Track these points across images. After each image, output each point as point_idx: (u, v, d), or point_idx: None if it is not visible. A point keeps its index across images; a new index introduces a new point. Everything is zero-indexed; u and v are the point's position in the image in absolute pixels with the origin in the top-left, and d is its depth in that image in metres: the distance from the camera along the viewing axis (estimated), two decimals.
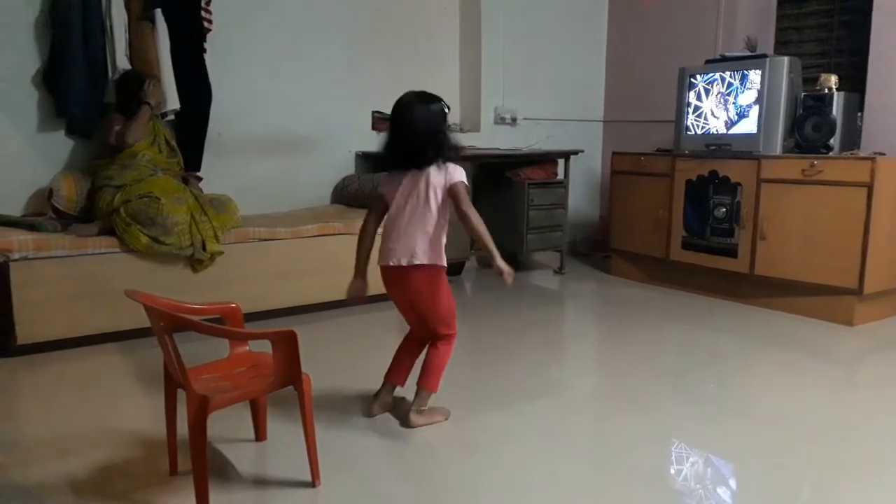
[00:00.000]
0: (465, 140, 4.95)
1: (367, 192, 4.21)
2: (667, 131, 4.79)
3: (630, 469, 2.15)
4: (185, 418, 1.83)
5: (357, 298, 2.46)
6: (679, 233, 4.38)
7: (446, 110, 2.36)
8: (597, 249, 5.55)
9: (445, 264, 2.38)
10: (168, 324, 1.83)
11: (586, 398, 2.80)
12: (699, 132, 4.36)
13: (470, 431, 2.42)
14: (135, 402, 2.62)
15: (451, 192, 2.30)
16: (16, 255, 3.00)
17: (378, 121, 4.71)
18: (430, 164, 2.31)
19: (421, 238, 2.32)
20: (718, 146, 4.22)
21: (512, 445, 2.30)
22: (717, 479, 2.13)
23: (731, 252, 4.10)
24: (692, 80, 4.37)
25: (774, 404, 2.68)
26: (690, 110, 4.39)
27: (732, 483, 2.11)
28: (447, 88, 5.19)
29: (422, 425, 2.40)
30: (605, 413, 2.61)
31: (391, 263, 2.36)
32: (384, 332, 3.75)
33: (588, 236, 5.71)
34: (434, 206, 2.30)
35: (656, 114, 5.17)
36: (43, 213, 3.44)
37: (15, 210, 3.52)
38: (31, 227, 3.16)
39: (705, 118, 4.33)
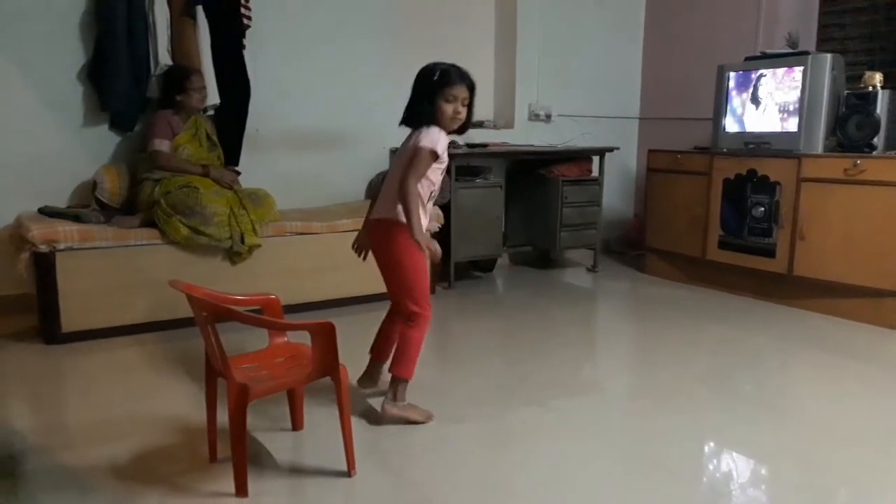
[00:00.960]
0: (498, 137, 4.99)
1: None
2: (704, 129, 4.73)
3: (664, 468, 2.13)
4: (225, 406, 1.88)
5: (363, 248, 2.55)
6: (716, 232, 4.33)
7: (436, 72, 2.29)
8: (630, 248, 5.51)
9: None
10: (211, 314, 1.87)
11: (621, 396, 2.79)
12: (738, 130, 4.29)
13: (504, 426, 2.43)
14: (175, 390, 2.68)
15: (410, 155, 2.26)
16: (62, 246, 3.08)
17: None
18: (415, 124, 2.31)
19: (385, 194, 2.34)
20: (758, 144, 4.15)
21: (546, 441, 2.30)
22: (751, 480, 2.11)
23: (769, 252, 4.04)
24: (731, 77, 4.30)
25: (812, 407, 2.64)
26: (729, 108, 4.33)
27: (767, 485, 2.09)
28: (481, 84, 5.12)
29: (395, 417, 2.33)
30: (639, 411, 2.59)
31: (371, 217, 2.43)
32: None
33: (622, 234, 5.66)
34: (400, 166, 2.28)
35: (694, 111, 5.10)
36: (87, 205, 3.52)
37: (61, 202, 3.62)
38: (76, 219, 3.24)
39: (744, 116, 4.26)
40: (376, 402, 2.49)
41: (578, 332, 3.68)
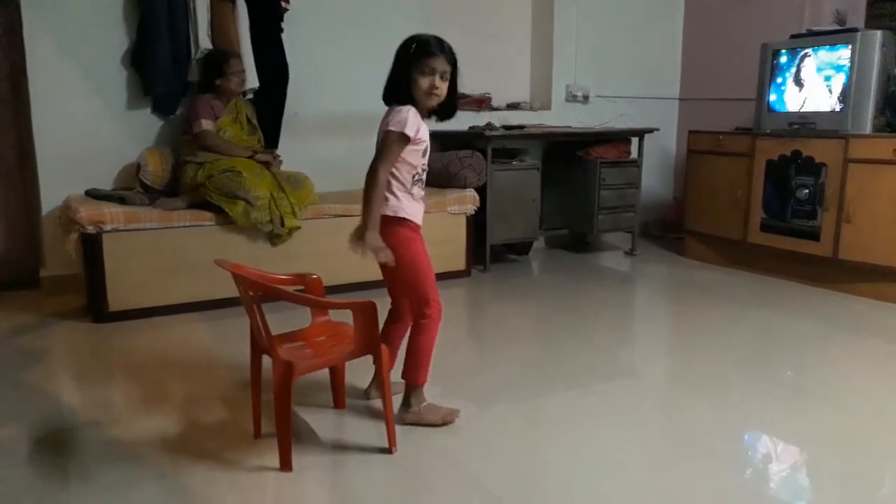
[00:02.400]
0: (534, 118, 4.95)
1: (435, 172, 4.22)
2: (746, 110, 4.63)
3: (704, 452, 2.12)
4: (270, 383, 1.91)
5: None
6: (758, 214, 4.25)
7: (413, 44, 2.09)
8: (669, 231, 5.44)
9: (402, 216, 2.13)
10: (257, 292, 1.91)
11: (660, 380, 2.77)
12: (782, 110, 4.19)
13: (543, 408, 2.43)
14: (218, 367, 2.74)
15: (384, 138, 2.06)
16: (108, 227, 3.16)
17: None
18: (390, 101, 2.12)
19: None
20: (802, 125, 4.05)
21: (585, 424, 2.30)
22: (793, 466, 2.08)
23: (814, 235, 3.95)
24: (776, 55, 4.20)
25: (858, 394, 2.59)
26: (773, 87, 4.23)
27: (810, 472, 2.06)
28: (518, 65, 5.16)
29: (410, 424, 2.18)
30: (679, 396, 2.57)
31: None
32: (457, 307, 3.79)
33: (660, 217, 5.59)
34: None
35: (736, 91, 4.99)
36: (131, 188, 3.61)
37: (106, 184, 3.70)
38: (121, 201, 3.32)
39: (789, 96, 4.16)
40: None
41: (616, 315, 3.66)
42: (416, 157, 2.12)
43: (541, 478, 1.97)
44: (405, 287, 2.19)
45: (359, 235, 2.07)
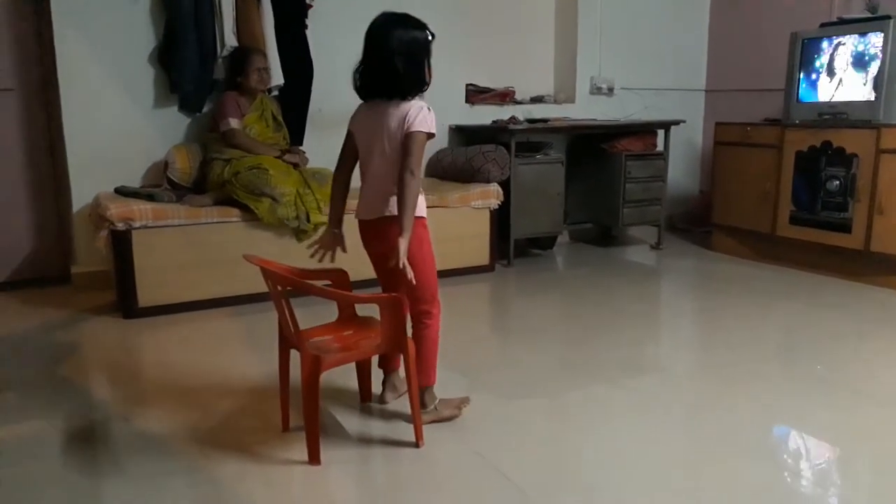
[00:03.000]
0: (558, 111, 4.92)
1: (459, 166, 4.23)
2: (774, 100, 4.56)
3: (734, 446, 2.10)
4: (298, 377, 1.93)
5: (326, 249, 2.18)
6: (787, 207, 4.18)
7: (430, 38, 2.05)
8: (695, 224, 5.37)
9: (418, 213, 2.07)
10: (285, 287, 1.92)
11: (689, 375, 2.74)
12: (812, 100, 4.12)
13: (570, 402, 2.42)
14: (247, 361, 2.77)
15: (404, 141, 1.99)
16: (137, 224, 3.20)
17: (472, 93, 4.71)
18: (397, 96, 2.02)
19: (375, 190, 2.06)
20: (833, 115, 3.98)
21: (614, 418, 2.29)
22: (825, 461, 2.05)
23: (845, 227, 3.88)
24: (806, 44, 4.12)
25: (890, 388, 2.54)
26: (802, 77, 4.16)
27: (842, 467, 2.03)
28: (542, 58, 5.12)
29: (429, 423, 2.15)
30: (708, 390, 2.54)
31: (361, 217, 2.16)
32: (482, 302, 3.80)
33: (687, 211, 5.53)
34: (384, 154, 2.04)
35: (763, 82, 4.91)
36: (159, 185, 3.65)
37: (134, 181, 3.75)
38: (150, 198, 3.36)
39: (819, 86, 4.09)
40: (442, 380, 2.51)
41: (643, 309, 3.63)
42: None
43: (567, 471, 1.97)
44: (410, 288, 2.03)
45: (392, 245, 1.94)
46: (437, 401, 2.20)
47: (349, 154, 2.18)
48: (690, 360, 2.94)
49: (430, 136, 2.03)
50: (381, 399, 2.34)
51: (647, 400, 2.43)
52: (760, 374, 2.66)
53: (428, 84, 2.07)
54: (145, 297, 3.27)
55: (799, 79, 4.17)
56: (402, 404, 2.26)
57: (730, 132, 4.53)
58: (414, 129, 1.98)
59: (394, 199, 2.02)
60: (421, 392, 2.14)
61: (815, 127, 4.02)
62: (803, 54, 4.14)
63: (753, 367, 2.72)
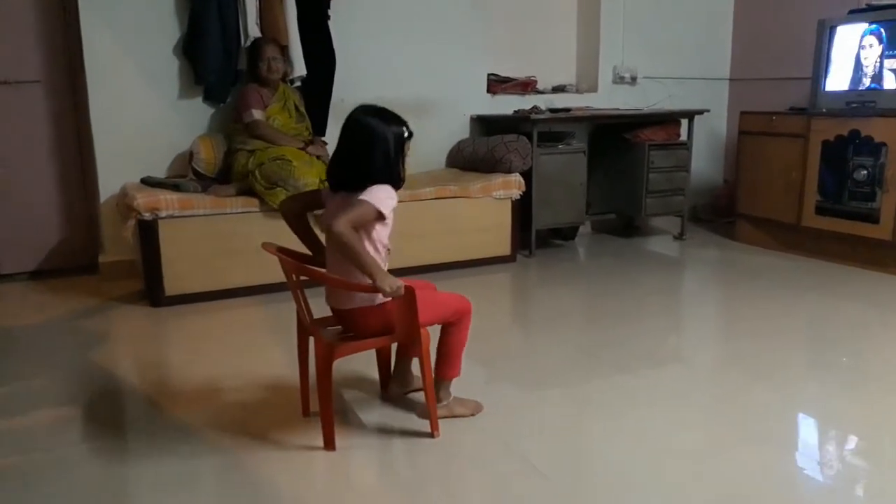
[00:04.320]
0: (581, 101, 4.89)
1: (480, 156, 4.23)
2: (801, 89, 4.49)
3: (759, 438, 2.09)
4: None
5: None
6: (813, 197, 4.12)
7: (406, 135, 2.00)
8: (719, 215, 5.32)
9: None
10: (301, 276, 1.95)
11: (713, 365, 2.73)
12: (839, 89, 4.05)
13: (592, 392, 2.42)
14: (270, 349, 2.81)
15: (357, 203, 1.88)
16: (164, 214, 3.25)
17: (494, 83, 4.70)
18: (360, 186, 1.92)
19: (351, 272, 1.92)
20: (861, 104, 3.91)
21: (635, 408, 2.29)
22: (850, 453, 2.04)
23: (872, 217, 3.82)
24: (833, 32, 4.05)
25: None
26: (830, 65, 4.09)
27: (867, 458, 2.01)
28: (564, 47, 5.09)
29: (440, 418, 2.12)
30: (732, 381, 2.53)
31: (331, 305, 2.06)
32: (503, 292, 3.81)
33: (710, 201, 5.47)
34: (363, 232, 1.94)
35: (789, 70, 4.84)
36: (184, 175, 3.70)
37: (159, 172, 3.81)
38: (175, 188, 3.41)
39: (847, 74, 4.01)
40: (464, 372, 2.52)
41: (666, 300, 3.61)
42: (386, 231, 2.00)
43: (590, 458, 1.98)
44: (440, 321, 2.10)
45: (375, 290, 1.86)
46: (451, 398, 2.18)
47: (311, 200, 2.13)
48: (713, 350, 2.92)
49: (380, 215, 1.90)
50: (388, 390, 2.33)
51: (670, 390, 2.43)
52: (784, 365, 2.64)
53: (402, 180, 2.00)
54: (172, 285, 3.33)
55: (826, 67, 4.10)
56: (419, 394, 2.28)
57: (755, 121, 4.47)
58: (364, 197, 1.89)
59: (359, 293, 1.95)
60: (438, 384, 2.14)
61: (842, 116, 3.96)
62: (831, 42, 4.07)
63: (777, 358, 2.70)
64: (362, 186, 1.91)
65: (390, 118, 1.98)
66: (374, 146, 1.92)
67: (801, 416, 2.26)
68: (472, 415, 2.20)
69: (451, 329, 2.12)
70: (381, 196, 1.90)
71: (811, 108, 4.19)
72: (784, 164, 4.26)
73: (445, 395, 2.18)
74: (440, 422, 2.10)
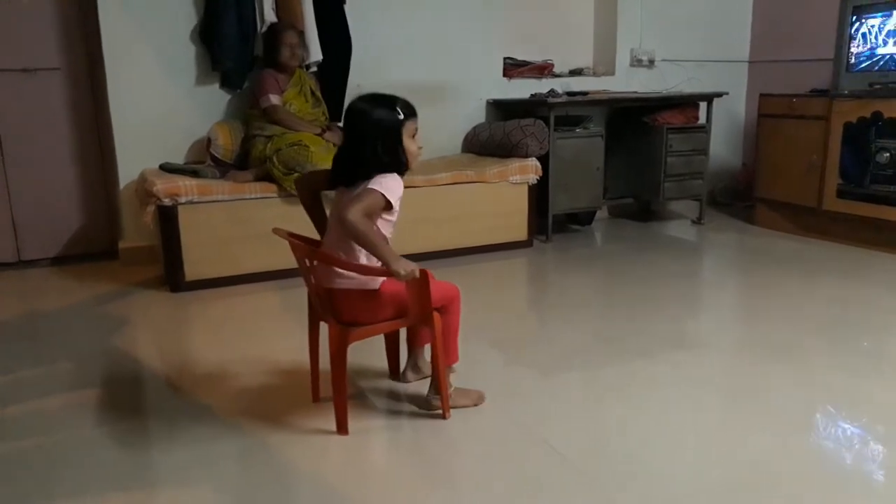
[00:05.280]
0: (598, 84, 4.84)
1: (497, 141, 4.21)
2: (821, 70, 4.43)
3: (776, 422, 2.08)
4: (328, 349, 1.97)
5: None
6: (834, 180, 4.07)
7: (397, 108, 1.94)
8: (738, 199, 5.27)
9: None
10: (312, 259, 1.96)
11: (732, 349, 2.72)
12: (862, 70, 3.98)
13: (612, 376, 2.42)
14: (286, 333, 2.83)
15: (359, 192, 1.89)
16: (183, 200, 3.28)
17: (510, 67, 4.67)
18: (362, 178, 1.92)
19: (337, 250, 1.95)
20: (885, 85, 3.84)
21: (658, 393, 2.28)
22: (872, 438, 2.02)
23: (895, 201, 3.77)
24: (856, 11, 3.98)
25: None
26: (852, 46, 4.02)
27: (886, 444, 1.99)
28: (581, 30, 5.04)
29: (438, 407, 2.12)
30: (751, 366, 2.51)
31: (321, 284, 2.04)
32: (520, 277, 3.81)
33: (728, 185, 5.42)
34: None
35: (810, 52, 4.76)
36: (202, 161, 3.72)
37: (178, 158, 3.83)
38: (194, 174, 3.43)
39: (870, 54, 3.95)
40: (479, 356, 2.52)
41: (684, 285, 3.59)
42: (389, 228, 1.99)
43: (609, 441, 1.98)
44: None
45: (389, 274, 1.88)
46: (452, 388, 2.13)
47: (325, 178, 2.05)
48: (732, 335, 2.91)
49: (387, 204, 1.90)
50: (403, 377, 2.34)
51: (689, 374, 2.42)
52: (804, 350, 2.62)
53: (404, 165, 1.96)
54: (191, 271, 3.36)
55: (849, 47, 4.03)
56: (452, 377, 2.29)
57: (774, 104, 4.42)
58: (370, 185, 1.88)
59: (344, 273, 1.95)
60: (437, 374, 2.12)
61: (865, 97, 3.89)
62: (854, 22, 3.99)
63: (797, 343, 2.68)
64: (367, 176, 1.91)
65: (382, 102, 1.95)
66: (368, 133, 1.91)
67: (820, 400, 2.24)
68: (475, 405, 2.17)
69: (443, 314, 2.06)
70: (390, 185, 1.90)
71: (833, 90, 4.13)
72: (804, 147, 4.21)
73: (447, 385, 2.14)
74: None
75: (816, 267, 3.72)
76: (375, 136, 1.91)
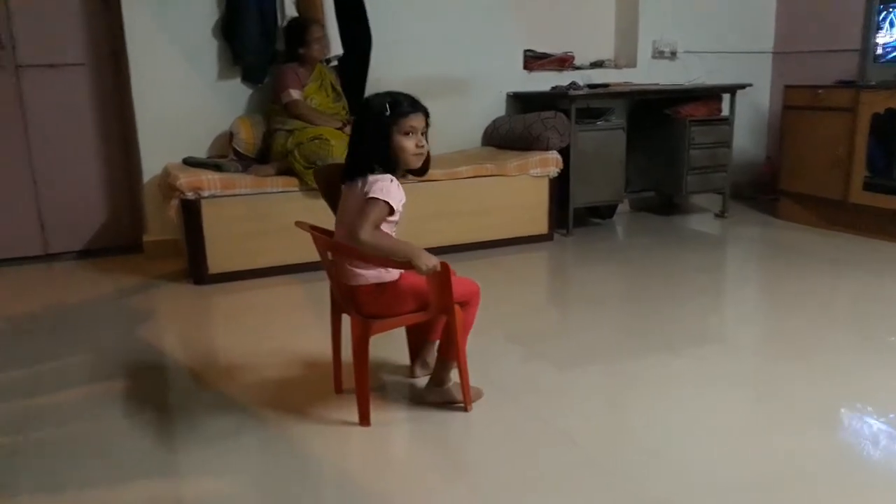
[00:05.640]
0: (619, 76, 4.80)
1: (517, 134, 4.20)
2: (847, 61, 4.35)
3: (800, 417, 2.06)
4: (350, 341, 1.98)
5: None
6: (861, 172, 4.01)
7: (386, 105, 1.92)
8: (761, 192, 5.21)
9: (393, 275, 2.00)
10: (333, 252, 1.97)
11: (755, 345, 2.69)
12: (890, 60, 3.91)
13: (633, 371, 2.41)
14: (308, 326, 2.85)
15: (363, 206, 1.89)
16: (206, 193, 3.31)
17: (530, 59, 4.64)
18: (361, 172, 1.95)
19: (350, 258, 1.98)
20: None
21: (680, 388, 2.27)
22: (894, 435, 2.00)
23: None
24: (883, 0, 3.90)
25: None
26: (880, 36, 3.94)
27: None
28: (602, 22, 5.00)
29: (435, 403, 2.12)
30: (775, 361, 2.49)
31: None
32: (540, 271, 3.80)
33: (752, 178, 5.35)
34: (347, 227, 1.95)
35: (836, 42, 4.68)
36: (225, 155, 3.75)
37: (200, 152, 3.86)
38: (217, 168, 3.46)
39: None
40: (500, 349, 2.52)
41: (707, 279, 3.56)
42: (391, 228, 1.98)
43: (630, 435, 1.98)
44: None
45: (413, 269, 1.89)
46: (452, 382, 2.13)
47: (336, 171, 2.09)
48: (756, 330, 2.88)
49: (389, 206, 1.89)
50: (411, 372, 2.33)
51: (711, 369, 2.40)
52: (830, 346, 2.59)
53: (395, 164, 1.94)
54: (215, 264, 3.39)
55: (876, 37, 3.96)
56: (452, 372, 2.29)
57: (800, 95, 4.35)
58: (371, 195, 1.88)
59: (370, 269, 1.97)
60: (441, 365, 2.12)
61: (893, 87, 3.82)
62: (882, 10, 3.92)
63: (822, 338, 2.65)
64: (362, 173, 1.93)
65: (379, 97, 1.95)
66: (356, 127, 1.95)
67: (846, 396, 2.21)
68: (467, 406, 2.11)
69: (465, 308, 2.06)
70: (390, 191, 1.89)
71: (860, 81, 4.06)
72: (830, 139, 4.15)
73: (447, 378, 2.13)
74: (488, 392, 2.13)
75: (842, 260, 3.67)
76: (363, 130, 1.94)
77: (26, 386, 2.36)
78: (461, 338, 2.05)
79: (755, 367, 2.47)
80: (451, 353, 2.07)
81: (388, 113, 1.91)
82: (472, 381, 2.11)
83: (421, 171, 2.04)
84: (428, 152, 2.02)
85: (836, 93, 4.14)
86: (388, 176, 1.92)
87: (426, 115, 1.98)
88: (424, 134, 1.98)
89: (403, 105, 1.94)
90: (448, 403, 2.12)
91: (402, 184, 1.97)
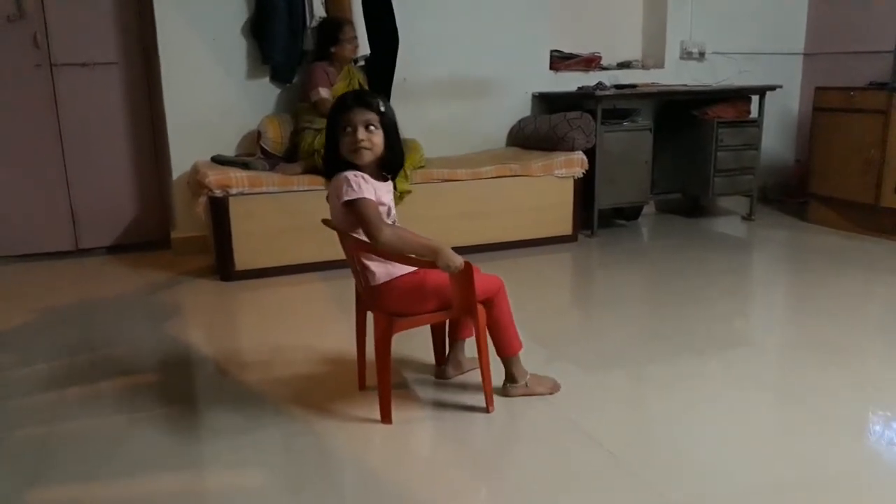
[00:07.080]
0: (647, 77, 4.77)
1: (542, 134, 4.19)
2: (880, 63, 4.28)
3: (828, 423, 2.04)
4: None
5: None
6: (893, 176, 3.94)
7: (337, 110, 1.96)
8: (790, 195, 5.14)
9: (398, 273, 2.01)
10: (358, 250, 1.98)
11: (783, 348, 2.66)
12: None
13: (659, 374, 2.40)
14: (333, 323, 2.88)
15: (349, 216, 1.93)
16: (234, 191, 3.35)
17: (557, 59, 4.63)
18: (327, 175, 2.03)
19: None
20: None
21: (707, 391, 2.26)
22: None
23: None
24: None
25: None
26: None
27: None
28: (629, 22, 4.97)
29: (520, 396, 2.16)
30: (802, 365, 2.46)
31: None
32: (564, 272, 3.78)
33: (781, 181, 5.28)
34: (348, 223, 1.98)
35: (869, 44, 4.60)
36: (252, 154, 3.79)
37: (229, 151, 3.91)
38: (245, 166, 3.50)
39: None
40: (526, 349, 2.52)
41: (734, 282, 3.52)
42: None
43: (656, 438, 1.97)
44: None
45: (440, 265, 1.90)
46: (528, 376, 2.17)
47: None
48: (784, 334, 2.84)
49: (365, 199, 1.88)
50: (443, 373, 2.32)
51: (738, 373, 2.38)
52: (859, 351, 2.55)
53: (343, 161, 1.95)
54: (242, 261, 3.43)
55: None
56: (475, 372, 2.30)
57: (831, 97, 4.29)
58: (345, 199, 1.89)
59: (375, 269, 2.00)
60: (508, 365, 2.15)
61: None
62: None
63: (852, 343, 2.61)
64: (327, 175, 2.03)
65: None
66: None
67: (873, 401, 2.18)
68: (551, 393, 2.19)
69: (491, 307, 2.07)
70: (352, 186, 1.88)
71: (893, 83, 3.99)
72: (862, 142, 4.08)
73: (521, 373, 2.16)
74: (505, 399, 2.13)
75: (872, 265, 3.61)
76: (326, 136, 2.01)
77: (57, 378, 2.41)
78: (502, 334, 2.09)
79: (783, 372, 2.44)
80: (504, 349, 2.11)
81: (339, 110, 1.94)
82: (495, 381, 2.12)
83: (389, 167, 2.03)
84: (397, 148, 1.99)
85: (869, 95, 4.07)
86: (342, 174, 1.92)
87: (370, 107, 1.92)
88: (373, 128, 1.92)
89: (346, 101, 1.95)
90: (530, 395, 2.16)
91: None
